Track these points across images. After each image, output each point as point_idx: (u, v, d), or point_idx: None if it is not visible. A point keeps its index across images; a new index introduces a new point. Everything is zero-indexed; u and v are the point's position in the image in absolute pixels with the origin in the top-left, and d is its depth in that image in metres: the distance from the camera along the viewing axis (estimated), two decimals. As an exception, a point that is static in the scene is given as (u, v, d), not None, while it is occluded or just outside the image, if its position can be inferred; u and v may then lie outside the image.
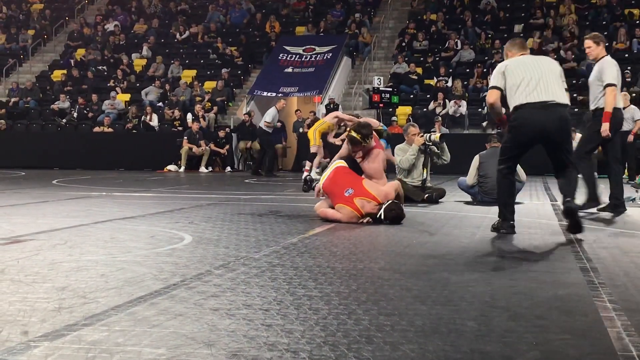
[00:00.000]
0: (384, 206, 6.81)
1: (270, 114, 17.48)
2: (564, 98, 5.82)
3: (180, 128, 20.63)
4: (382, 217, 6.78)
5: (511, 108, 5.91)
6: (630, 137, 13.93)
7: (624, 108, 13.88)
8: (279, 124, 18.91)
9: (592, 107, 8.15)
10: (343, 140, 12.14)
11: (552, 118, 5.74)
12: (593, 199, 8.07)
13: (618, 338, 2.80)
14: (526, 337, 2.81)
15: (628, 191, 11.26)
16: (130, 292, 3.54)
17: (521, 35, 23.47)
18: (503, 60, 6.30)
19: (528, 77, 5.83)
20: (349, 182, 7.04)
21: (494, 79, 6.02)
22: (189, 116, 20.70)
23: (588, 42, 8.18)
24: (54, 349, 2.58)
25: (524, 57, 6.09)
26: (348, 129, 7.30)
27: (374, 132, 7.47)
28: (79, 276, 3.97)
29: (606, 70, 7.90)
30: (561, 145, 5.85)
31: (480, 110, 20.29)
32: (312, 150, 10.67)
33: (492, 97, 5.95)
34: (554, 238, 5.87)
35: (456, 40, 23.18)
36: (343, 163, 7.30)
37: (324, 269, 4.24)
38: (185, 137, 19.47)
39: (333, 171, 7.21)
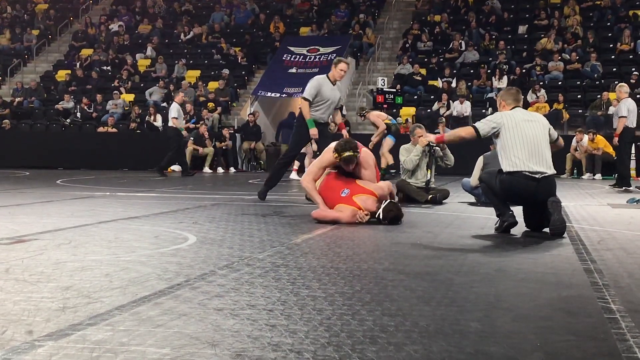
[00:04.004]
0: (382, 206, 6.80)
1: (175, 109, 16.53)
2: (551, 167, 6.19)
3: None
4: (381, 217, 6.77)
5: (504, 165, 6.17)
6: (615, 140, 13.01)
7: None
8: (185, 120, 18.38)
9: None
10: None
11: (543, 189, 6.09)
12: (264, 193, 9.21)
13: (622, 339, 2.80)
14: (530, 338, 2.81)
15: (633, 193, 11.24)
16: (134, 292, 3.54)
17: (525, 36, 23.50)
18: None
19: (524, 140, 6.12)
20: (343, 184, 7.02)
21: (486, 124, 6.28)
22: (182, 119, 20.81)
23: None
24: (59, 348, 2.58)
25: (520, 114, 6.33)
26: (336, 155, 6.93)
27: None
28: (83, 276, 3.98)
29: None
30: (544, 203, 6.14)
31: (484, 111, 20.28)
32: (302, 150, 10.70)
33: (469, 133, 6.32)
34: (558, 239, 5.86)
35: (460, 41, 23.18)
36: (333, 171, 7.20)
37: (328, 270, 4.24)
38: (192, 138, 19.48)
39: (325, 179, 7.15)
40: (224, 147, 19.96)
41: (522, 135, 6.13)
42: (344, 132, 9.40)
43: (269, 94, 21.91)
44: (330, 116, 9.54)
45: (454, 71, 22.11)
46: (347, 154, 6.92)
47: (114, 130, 21.32)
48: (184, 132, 16.40)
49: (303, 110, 9.06)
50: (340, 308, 3.25)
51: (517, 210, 6.29)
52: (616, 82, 19.09)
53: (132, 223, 6.72)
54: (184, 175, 16.66)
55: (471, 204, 9.28)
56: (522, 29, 23.91)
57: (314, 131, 8.92)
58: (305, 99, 9.06)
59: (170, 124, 16.71)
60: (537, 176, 6.06)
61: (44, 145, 20.91)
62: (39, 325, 2.90)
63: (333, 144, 7.15)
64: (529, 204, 6.30)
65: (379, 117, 13.78)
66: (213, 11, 27.44)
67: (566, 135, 18.41)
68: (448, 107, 20.28)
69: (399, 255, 4.95)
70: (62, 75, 24.99)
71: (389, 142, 13.35)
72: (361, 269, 4.32)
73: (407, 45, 23.84)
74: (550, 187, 6.13)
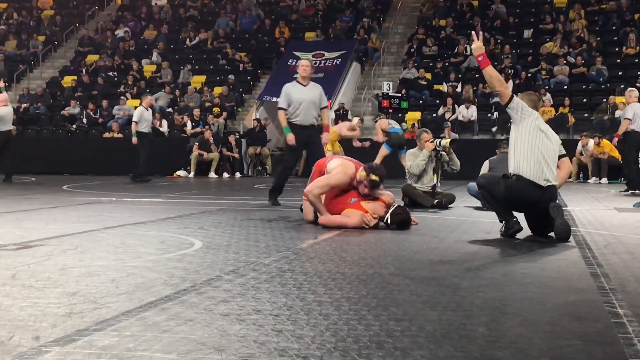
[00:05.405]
0: (390, 210, 6.74)
1: (137, 113, 16.14)
2: (556, 179, 6.22)
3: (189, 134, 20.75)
4: (389, 221, 6.71)
5: (514, 160, 6.13)
6: (614, 140, 12.96)
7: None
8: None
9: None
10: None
11: (546, 197, 6.08)
12: (274, 199, 9.52)
13: (629, 344, 2.79)
14: (537, 343, 2.80)
15: (636, 198, 11.21)
16: (140, 298, 3.55)
17: (531, 40, 23.49)
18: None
19: (541, 147, 6.09)
20: (350, 194, 6.94)
21: (522, 105, 6.17)
22: (189, 124, 20.81)
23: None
24: (65, 354, 2.59)
25: (542, 121, 6.32)
26: (365, 174, 6.78)
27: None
28: (90, 281, 3.99)
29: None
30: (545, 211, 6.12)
31: (489, 115, 20.27)
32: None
33: (505, 93, 6.21)
34: (565, 244, 5.84)
35: (465, 45, 23.17)
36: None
37: (334, 275, 4.24)
38: (197, 143, 19.51)
39: (328, 196, 7.01)
40: (231, 159, 19.99)
41: (541, 142, 6.10)
42: (325, 135, 9.60)
43: (274, 99, 21.88)
44: (317, 117, 9.64)
45: (459, 75, 22.10)
46: (375, 178, 6.74)
47: (120, 135, 21.36)
48: (134, 139, 15.91)
49: (279, 119, 9.62)
50: (346, 313, 3.25)
51: (520, 216, 6.27)
52: (622, 86, 19.08)
53: (138, 228, 6.73)
54: (136, 181, 15.92)
55: (477, 208, 9.26)
56: (527, 33, 23.91)
57: (290, 137, 9.31)
58: (280, 108, 9.53)
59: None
60: (543, 184, 6.05)
61: (50, 150, 20.97)
62: (46, 330, 2.90)
63: (341, 165, 7.00)
64: (530, 211, 6.27)
65: (380, 126, 14.12)
66: (218, 17, 27.51)
67: (572, 139, 18.40)
68: (453, 112, 20.27)
69: (405, 260, 4.94)
70: (68, 81, 25.08)
71: (382, 149, 13.57)
72: (367, 273, 4.31)
73: (412, 49, 23.86)
74: (552, 195, 6.14)
